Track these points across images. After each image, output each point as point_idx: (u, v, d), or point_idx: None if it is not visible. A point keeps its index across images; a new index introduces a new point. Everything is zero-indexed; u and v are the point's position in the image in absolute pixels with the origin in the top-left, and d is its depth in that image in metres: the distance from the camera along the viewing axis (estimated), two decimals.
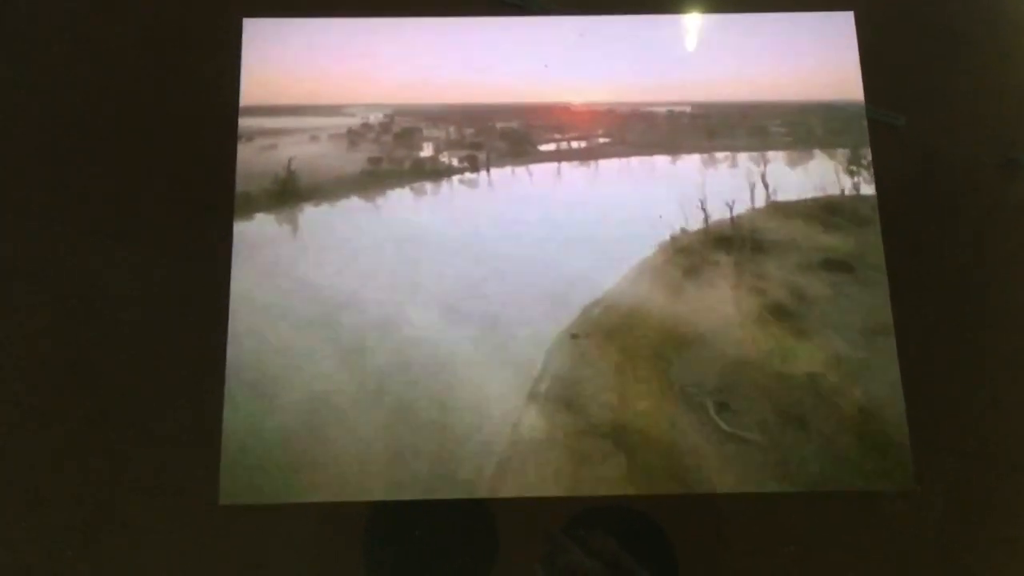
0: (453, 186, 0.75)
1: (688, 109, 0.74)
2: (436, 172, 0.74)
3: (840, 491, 0.59)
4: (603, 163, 0.75)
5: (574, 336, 0.67)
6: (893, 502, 0.60)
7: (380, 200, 0.73)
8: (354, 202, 0.73)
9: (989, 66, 0.71)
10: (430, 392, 0.64)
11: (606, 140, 0.75)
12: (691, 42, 0.73)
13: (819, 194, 0.71)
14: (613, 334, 0.67)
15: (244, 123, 0.70)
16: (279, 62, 0.72)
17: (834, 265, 0.68)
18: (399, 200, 0.73)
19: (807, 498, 0.59)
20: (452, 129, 0.75)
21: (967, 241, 0.67)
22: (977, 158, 0.69)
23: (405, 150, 0.74)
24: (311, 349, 0.65)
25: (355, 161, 0.74)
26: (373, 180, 0.74)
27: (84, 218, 0.67)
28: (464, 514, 0.60)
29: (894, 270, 0.65)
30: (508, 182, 0.74)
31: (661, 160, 0.74)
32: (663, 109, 0.74)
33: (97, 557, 0.59)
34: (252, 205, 0.70)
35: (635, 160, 0.74)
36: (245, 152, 0.70)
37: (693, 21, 0.73)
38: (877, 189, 0.68)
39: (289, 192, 0.71)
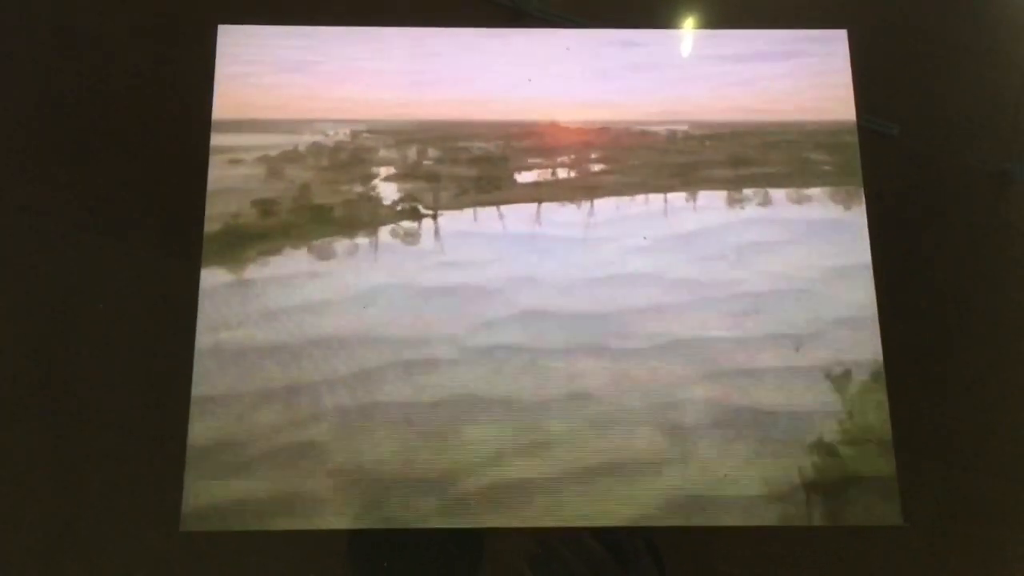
0: (377, 248, 0.58)
1: (686, 128, 0.64)
2: (355, 224, 0.58)
3: (829, 526, 0.58)
4: (599, 204, 0.60)
5: None
6: (881, 537, 0.58)
7: (252, 271, 0.56)
8: (217, 277, 0.57)
9: (982, 77, 0.70)
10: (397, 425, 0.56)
11: (601, 167, 0.61)
12: (684, 58, 0.67)
13: None
14: None
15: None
16: (251, 72, 0.63)
17: None
18: (283, 269, 0.57)
19: (797, 533, 0.58)
20: (414, 150, 0.60)
21: (959, 251, 0.65)
22: (969, 168, 0.67)
23: (333, 185, 0.59)
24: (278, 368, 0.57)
25: (240, 205, 0.57)
26: (255, 238, 0.57)
27: (47, 222, 0.62)
28: (443, 540, 0.56)
29: (883, 280, 0.63)
30: (462, 239, 0.59)
31: (676, 198, 0.60)
32: (662, 128, 0.64)
33: None
34: None
35: (640, 197, 0.60)
36: None
37: (686, 36, 0.68)
38: (867, 198, 0.64)
39: None
